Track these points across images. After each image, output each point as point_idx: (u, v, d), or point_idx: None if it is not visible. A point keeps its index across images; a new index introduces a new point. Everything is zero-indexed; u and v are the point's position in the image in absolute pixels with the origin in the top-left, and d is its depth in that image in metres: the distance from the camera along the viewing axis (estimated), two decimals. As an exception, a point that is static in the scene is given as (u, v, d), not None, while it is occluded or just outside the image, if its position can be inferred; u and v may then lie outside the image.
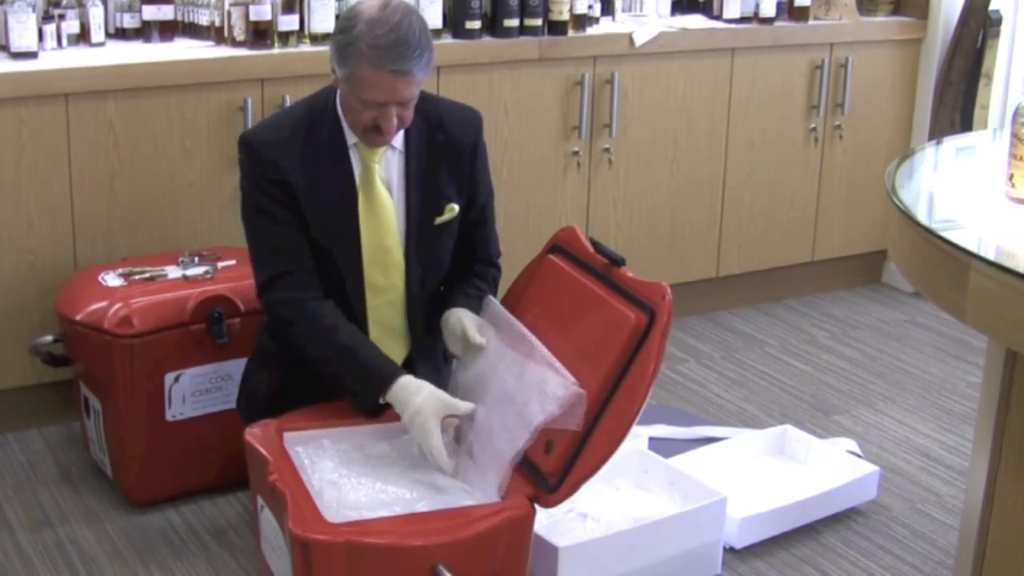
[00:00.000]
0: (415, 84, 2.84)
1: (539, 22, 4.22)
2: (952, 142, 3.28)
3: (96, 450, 3.47)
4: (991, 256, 2.18)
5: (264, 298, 2.98)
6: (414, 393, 2.79)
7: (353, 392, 2.89)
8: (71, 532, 3.25)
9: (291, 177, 2.91)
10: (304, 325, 2.92)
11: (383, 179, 2.98)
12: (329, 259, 2.97)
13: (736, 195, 4.74)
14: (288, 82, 3.77)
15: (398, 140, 2.98)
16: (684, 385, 4.23)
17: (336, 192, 2.95)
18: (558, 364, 2.73)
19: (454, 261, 3.11)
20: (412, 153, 3.00)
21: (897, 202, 2.46)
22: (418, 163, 3.00)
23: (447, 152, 3.03)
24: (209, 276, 3.40)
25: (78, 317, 3.32)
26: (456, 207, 3.05)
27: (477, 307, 3.02)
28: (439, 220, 3.03)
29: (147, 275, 3.42)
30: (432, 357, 3.07)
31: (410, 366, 2.98)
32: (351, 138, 2.96)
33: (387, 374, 2.84)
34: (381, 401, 2.84)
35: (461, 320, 2.95)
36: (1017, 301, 2.09)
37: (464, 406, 2.81)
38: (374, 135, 2.90)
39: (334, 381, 2.92)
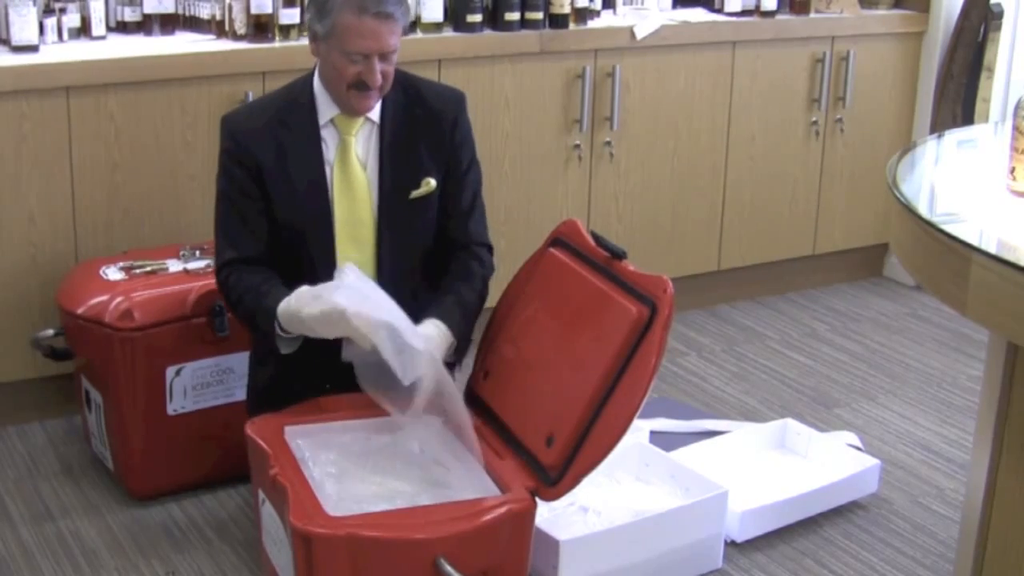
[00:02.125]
0: (396, 32, 2.90)
1: (540, 15, 4.22)
2: (953, 135, 3.28)
3: (97, 443, 3.47)
4: (992, 249, 2.18)
5: (217, 280, 3.06)
6: (287, 302, 2.82)
7: (266, 334, 2.92)
8: (72, 525, 3.25)
9: (261, 158, 2.98)
10: (237, 295, 2.98)
11: (358, 153, 3.02)
12: (301, 239, 2.99)
13: (737, 188, 4.74)
14: (289, 75, 3.75)
15: (375, 113, 3.02)
16: (685, 378, 4.23)
17: (308, 170, 3.00)
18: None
19: (437, 241, 3.10)
20: (388, 125, 3.03)
21: (898, 195, 2.46)
22: (394, 136, 3.03)
23: (426, 126, 3.06)
24: (210, 269, 3.40)
25: (79, 310, 3.32)
26: (433, 182, 3.05)
27: (451, 316, 2.97)
28: (415, 194, 3.04)
29: (148, 268, 3.42)
30: None
31: None
32: (325, 116, 3.01)
33: (273, 304, 2.86)
34: (279, 331, 2.87)
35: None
36: (1018, 294, 2.09)
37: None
38: (358, 96, 2.94)
39: (263, 333, 2.96)
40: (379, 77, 2.91)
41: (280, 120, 3.01)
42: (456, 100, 3.13)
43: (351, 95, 2.94)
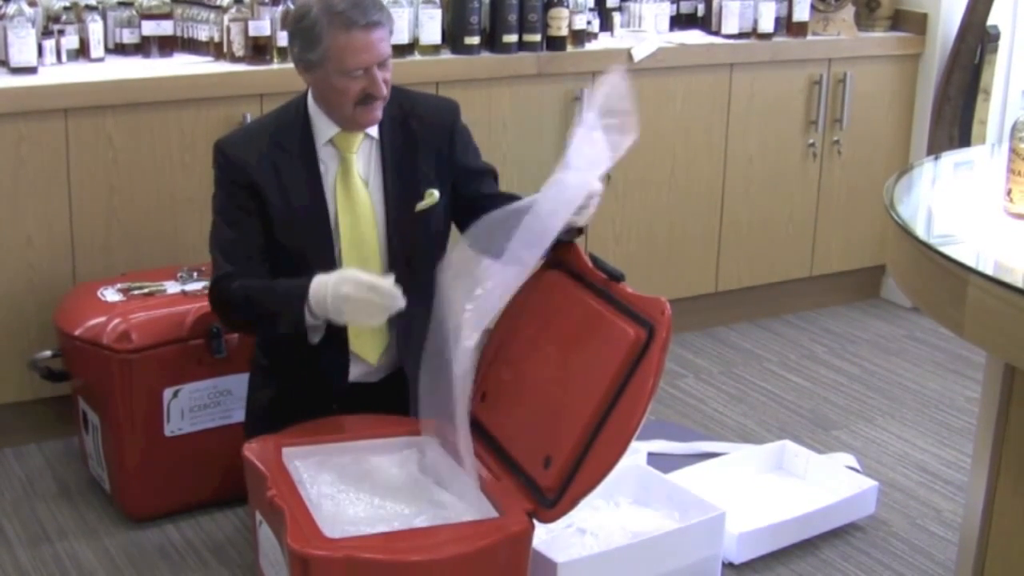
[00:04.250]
0: (386, 38, 2.93)
1: (538, 38, 4.23)
2: (950, 157, 3.29)
3: (95, 465, 3.47)
4: (989, 271, 2.18)
5: (212, 291, 3.00)
6: (326, 279, 2.78)
7: (283, 315, 2.87)
8: (69, 548, 3.25)
9: (260, 183, 2.96)
10: (233, 299, 2.94)
11: (359, 170, 3.02)
12: (302, 262, 2.97)
13: (735, 210, 4.75)
14: (286, 98, 3.74)
15: (372, 128, 3.02)
16: (683, 400, 4.23)
17: (307, 192, 2.99)
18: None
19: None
20: (387, 141, 3.03)
21: (895, 217, 2.47)
22: (393, 150, 3.04)
23: (423, 138, 3.06)
24: (207, 291, 3.40)
25: (77, 332, 3.32)
26: (436, 193, 3.05)
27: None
28: (420, 206, 3.04)
29: (146, 290, 3.42)
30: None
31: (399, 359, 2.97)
32: (323, 136, 3.00)
33: (301, 283, 2.82)
34: (307, 315, 2.81)
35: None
36: (1015, 316, 2.09)
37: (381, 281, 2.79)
38: (365, 110, 2.94)
39: (270, 321, 2.92)
40: (383, 85, 2.93)
41: (276, 143, 3.00)
42: (450, 110, 3.14)
43: (358, 111, 2.94)
